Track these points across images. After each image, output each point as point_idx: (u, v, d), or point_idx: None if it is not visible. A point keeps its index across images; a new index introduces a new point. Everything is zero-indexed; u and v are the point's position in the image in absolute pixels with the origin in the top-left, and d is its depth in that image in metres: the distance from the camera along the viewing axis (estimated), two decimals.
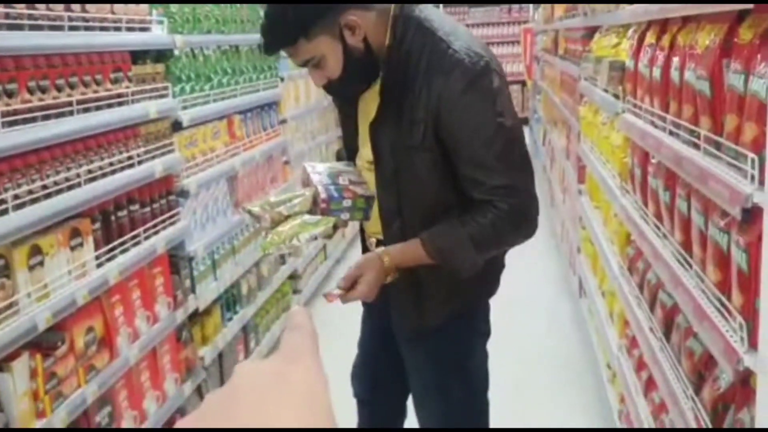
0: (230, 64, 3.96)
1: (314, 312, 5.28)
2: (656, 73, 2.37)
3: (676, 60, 2.15)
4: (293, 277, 5.10)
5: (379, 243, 2.17)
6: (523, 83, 13.22)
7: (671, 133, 2.19)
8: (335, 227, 2.05)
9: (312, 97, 5.68)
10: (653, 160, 2.43)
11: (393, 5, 1.96)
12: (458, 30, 1.99)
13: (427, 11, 2.00)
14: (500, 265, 2.26)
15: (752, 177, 1.48)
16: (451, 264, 2.00)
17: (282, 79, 4.85)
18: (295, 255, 5.07)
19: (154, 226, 3.08)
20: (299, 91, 5.33)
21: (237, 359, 3.94)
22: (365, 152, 2.13)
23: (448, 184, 2.01)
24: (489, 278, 2.21)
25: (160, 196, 3.16)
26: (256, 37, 4.35)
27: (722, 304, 1.66)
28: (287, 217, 2.07)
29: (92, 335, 2.60)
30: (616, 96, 3.17)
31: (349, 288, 1.99)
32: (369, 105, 2.07)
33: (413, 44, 1.93)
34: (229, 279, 3.84)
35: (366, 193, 2.06)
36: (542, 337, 4.65)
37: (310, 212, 2.08)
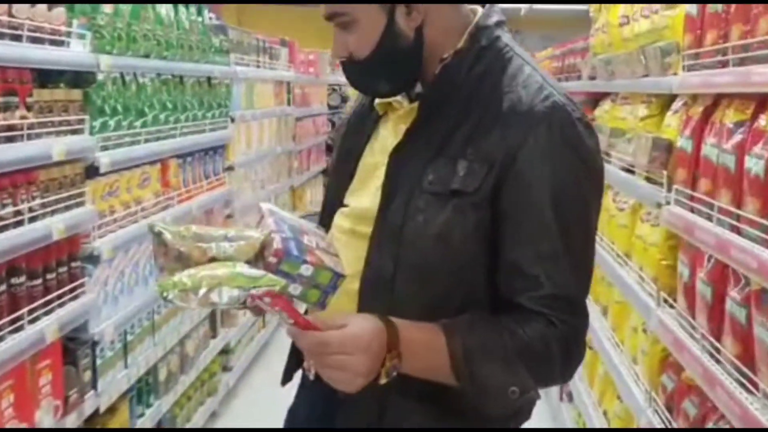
0: (171, 98, 3.22)
1: (250, 388, 4.48)
2: (751, 164, 1.74)
3: None
4: (224, 351, 4.31)
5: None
6: None
7: None
8: (284, 290, 1.27)
9: (265, 142, 4.95)
10: (743, 285, 1.77)
11: (480, 12, 1.44)
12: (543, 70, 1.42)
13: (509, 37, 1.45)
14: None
15: None
16: (478, 382, 1.29)
17: (233, 120, 4.12)
18: (201, 308, 4.30)
19: (46, 303, 2.29)
20: (251, 134, 4.61)
21: None
22: (359, 202, 1.47)
23: (481, 266, 1.34)
24: None
25: (59, 264, 2.39)
26: (205, 68, 3.62)
27: None
28: (212, 259, 1.32)
29: None
30: (653, 181, 2.54)
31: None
32: (390, 131, 1.48)
33: (493, 65, 1.40)
34: (144, 364, 3.05)
35: (336, 269, 1.35)
36: None
37: (249, 263, 1.34)
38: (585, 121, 1.36)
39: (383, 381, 1.25)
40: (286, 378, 1.60)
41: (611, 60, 3.25)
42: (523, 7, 13.05)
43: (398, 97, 1.46)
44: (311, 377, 1.52)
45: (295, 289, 1.29)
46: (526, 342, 1.29)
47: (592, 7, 3.71)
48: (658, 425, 2.31)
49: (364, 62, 1.41)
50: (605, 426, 3.12)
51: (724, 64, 1.99)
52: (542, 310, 1.30)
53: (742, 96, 1.92)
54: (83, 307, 2.49)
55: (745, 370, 1.73)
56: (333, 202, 1.54)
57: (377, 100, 1.51)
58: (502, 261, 1.32)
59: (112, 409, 2.80)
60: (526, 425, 1.49)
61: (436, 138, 1.37)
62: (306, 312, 1.40)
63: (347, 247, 1.43)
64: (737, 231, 1.82)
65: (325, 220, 1.54)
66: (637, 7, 2.89)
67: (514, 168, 1.31)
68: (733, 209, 1.84)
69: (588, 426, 3.34)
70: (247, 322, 4.66)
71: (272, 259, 1.28)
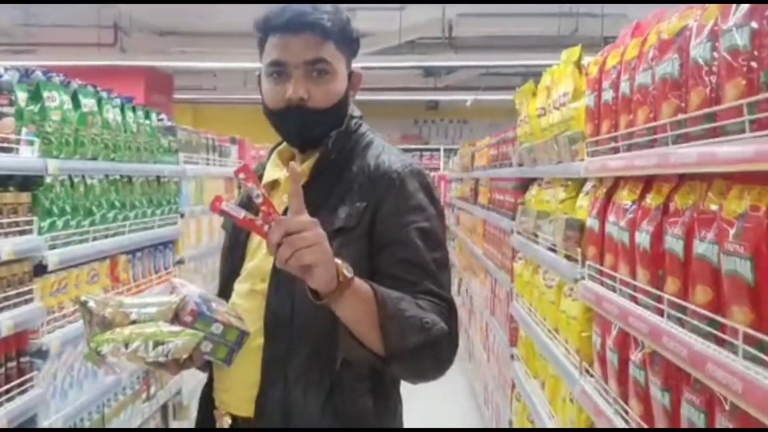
0: (119, 197, 3.37)
1: None
2: (641, 239, 1.93)
3: (675, 226, 1.72)
4: None
5: (234, 422, 1.72)
6: None
7: (669, 317, 1.73)
8: (197, 347, 1.53)
9: (215, 237, 5.09)
10: (640, 348, 1.95)
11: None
12: None
13: None
14: (396, 425, 1.81)
15: None
16: (399, 314, 1.55)
17: (182, 215, 4.27)
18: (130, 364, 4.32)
19: None
20: (202, 228, 4.75)
21: None
22: (254, 264, 1.75)
23: None
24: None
25: (8, 359, 2.47)
26: (153, 167, 3.79)
27: None
28: (133, 322, 1.55)
29: None
30: (571, 258, 2.74)
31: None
32: (281, 195, 1.75)
33: (364, 132, 1.83)
34: None
35: (241, 327, 1.60)
36: None
37: (167, 323, 1.58)
38: (428, 174, 1.81)
39: (349, 275, 1.49)
40: None
41: (533, 148, 3.50)
42: (468, 98, 13.57)
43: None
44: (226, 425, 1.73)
45: (206, 346, 1.52)
46: (423, 305, 1.60)
47: (517, 100, 3.98)
48: None
49: (318, 111, 1.71)
50: None
51: (615, 150, 2.22)
52: (426, 297, 1.62)
53: (633, 178, 2.14)
54: (32, 401, 2.57)
55: (644, 427, 1.88)
56: (229, 279, 1.79)
57: (270, 172, 1.82)
58: (384, 279, 1.61)
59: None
60: None
61: (320, 195, 1.68)
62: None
63: (248, 306, 1.69)
64: (635, 300, 2.00)
65: (222, 297, 1.77)
66: (551, 99, 3.15)
67: (384, 208, 1.68)
68: (629, 280, 2.03)
69: None
70: None
71: (188, 318, 1.52)
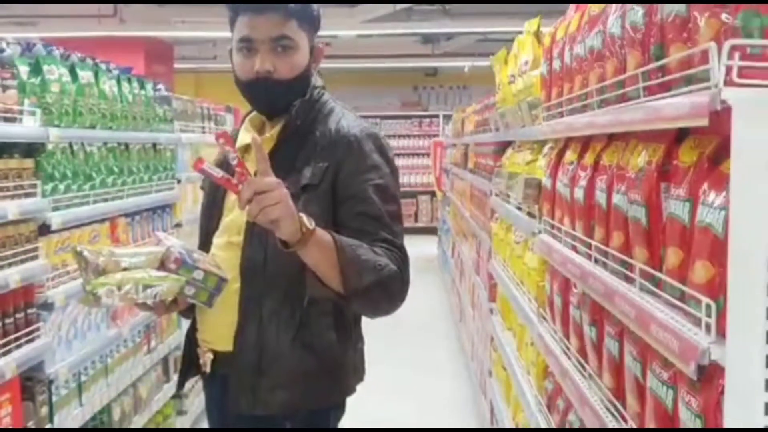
0: (118, 163, 3.61)
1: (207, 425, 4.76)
2: (578, 194, 2.16)
3: (601, 181, 1.95)
4: (178, 396, 4.60)
5: (216, 359, 2.00)
6: (433, 194, 13.27)
7: (596, 261, 1.97)
8: (181, 291, 1.81)
9: None
10: (576, 290, 2.19)
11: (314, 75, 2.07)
12: None
13: None
14: (357, 358, 2.08)
15: (707, 326, 1.23)
16: (355, 259, 1.80)
17: (179, 181, 4.51)
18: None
19: (5, 345, 2.62)
20: (198, 193, 4.98)
21: None
22: (230, 218, 2.00)
23: None
24: (347, 368, 2.01)
25: (16, 310, 2.72)
26: (149, 135, 4.02)
27: None
28: (124, 270, 1.80)
29: None
30: (531, 215, 2.97)
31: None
32: (251, 163, 1.88)
33: (326, 101, 2.05)
34: (98, 403, 3.36)
35: (220, 273, 1.86)
36: None
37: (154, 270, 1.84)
38: (384, 137, 2.06)
39: (311, 226, 1.73)
40: (181, 384, 2.17)
41: (505, 113, 3.72)
42: (466, 65, 13.67)
43: (266, 134, 2.00)
44: (208, 369, 1.99)
45: (189, 290, 1.78)
46: (378, 251, 1.85)
47: (493, 67, 4.18)
48: (543, 424, 2.68)
49: (283, 82, 1.92)
50: None
51: (561, 115, 2.44)
52: (381, 244, 1.88)
53: (574, 139, 2.37)
54: (38, 349, 2.82)
55: (583, 362, 2.13)
56: (208, 234, 2.05)
57: (243, 136, 2.04)
58: (345, 230, 1.86)
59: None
60: None
61: (287, 157, 1.94)
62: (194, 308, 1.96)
63: (226, 256, 1.94)
64: (575, 249, 2.23)
65: (202, 249, 2.02)
66: (517, 68, 3.36)
67: (344, 168, 1.92)
68: (570, 231, 2.26)
69: None
70: None
71: (172, 266, 1.78)
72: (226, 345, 1.97)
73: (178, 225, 4.55)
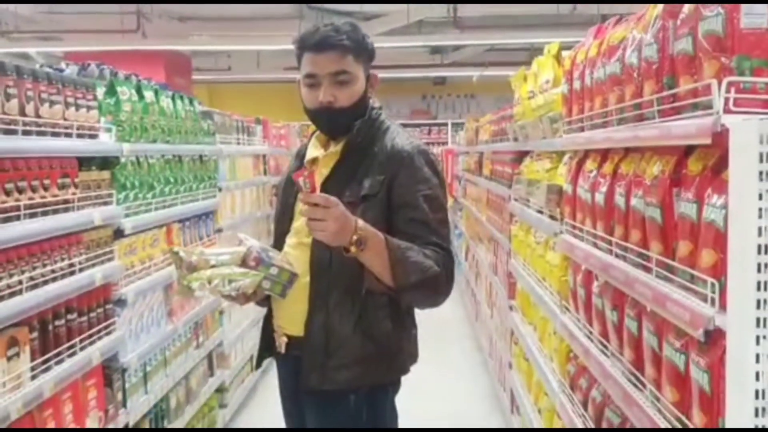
0: (173, 173, 3.96)
1: (244, 425, 5.10)
2: (599, 198, 2.50)
3: (620, 187, 2.29)
4: (220, 390, 4.95)
5: (290, 342, 2.31)
6: None
7: (617, 255, 2.30)
8: (260, 284, 2.15)
9: (246, 208, 5.70)
10: (598, 281, 2.53)
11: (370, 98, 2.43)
12: None
13: None
14: (411, 343, 2.40)
15: (712, 300, 1.57)
16: (405, 260, 2.13)
17: (220, 189, 4.86)
18: (209, 296, 4.93)
19: (90, 336, 2.97)
20: (235, 201, 5.35)
21: None
22: (302, 224, 2.23)
23: None
24: (402, 352, 2.34)
25: (98, 305, 3.07)
26: (197, 147, 4.38)
27: (683, 425, 1.72)
28: (212, 266, 2.17)
29: None
30: (553, 218, 3.31)
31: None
32: (320, 169, 2.29)
33: (383, 120, 2.38)
34: (159, 392, 3.70)
35: (292, 269, 2.20)
36: None
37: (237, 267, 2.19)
38: (433, 153, 2.37)
39: (353, 250, 2.09)
40: (259, 362, 2.49)
41: (525, 125, 4.06)
42: (474, 74, 14.00)
43: (331, 149, 2.34)
44: (282, 350, 2.35)
45: (266, 283, 2.14)
46: (428, 253, 2.18)
47: (512, 83, 4.53)
48: (568, 405, 3.02)
49: (343, 109, 2.26)
50: (541, 423, 3.80)
51: (582, 129, 2.78)
52: (431, 247, 2.20)
53: (593, 151, 2.71)
54: (115, 340, 3.17)
55: (605, 343, 2.47)
56: (281, 234, 2.41)
57: (311, 151, 2.39)
58: (399, 234, 2.18)
59: (136, 427, 3.45)
60: None
61: (350, 170, 2.28)
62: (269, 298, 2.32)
63: (297, 255, 2.30)
64: (596, 246, 2.58)
65: (276, 248, 2.37)
66: (537, 85, 3.71)
67: (398, 180, 2.23)
68: (592, 231, 2.60)
69: (527, 426, 4.02)
70: (238, 365, 5.32)
71: (252, 263, 2.17)
72: (298, 330, 2.32)
73: (219, 230, 4.89)
